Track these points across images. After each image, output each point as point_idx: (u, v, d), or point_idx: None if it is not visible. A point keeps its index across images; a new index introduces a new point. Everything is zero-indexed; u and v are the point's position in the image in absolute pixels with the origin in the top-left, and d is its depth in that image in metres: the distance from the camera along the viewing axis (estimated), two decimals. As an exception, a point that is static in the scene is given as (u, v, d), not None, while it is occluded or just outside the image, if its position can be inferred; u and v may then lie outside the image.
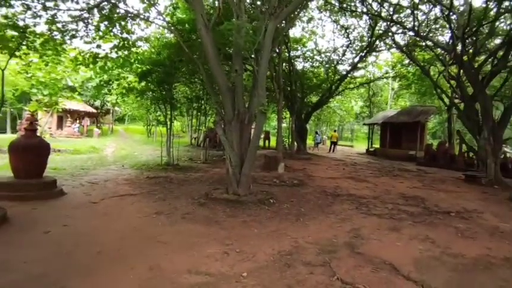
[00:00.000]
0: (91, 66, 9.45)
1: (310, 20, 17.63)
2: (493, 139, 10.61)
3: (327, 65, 20.01)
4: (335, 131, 28.03)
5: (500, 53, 11.15)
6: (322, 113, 29.83)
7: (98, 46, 8.95)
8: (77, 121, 24.71)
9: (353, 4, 15.41)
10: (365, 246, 4.25)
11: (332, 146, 24.22)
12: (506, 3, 10.56)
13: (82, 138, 20.96)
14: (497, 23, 11.73)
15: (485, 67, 11.90)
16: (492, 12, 11.05)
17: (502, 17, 11.58)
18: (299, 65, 20.27)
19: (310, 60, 19.97)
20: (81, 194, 6.72)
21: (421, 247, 4.32)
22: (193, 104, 14.58)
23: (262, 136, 23.27)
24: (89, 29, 8.46)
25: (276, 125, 14.47)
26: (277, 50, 10.60)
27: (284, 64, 17.00)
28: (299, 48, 19.16)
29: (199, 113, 15.08)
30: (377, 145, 25.93)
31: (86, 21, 8.14)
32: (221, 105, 6.94)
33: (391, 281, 3.29)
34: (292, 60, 17.98)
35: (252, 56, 6.75)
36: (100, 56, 9.24)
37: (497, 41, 13.28)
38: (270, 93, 15.77)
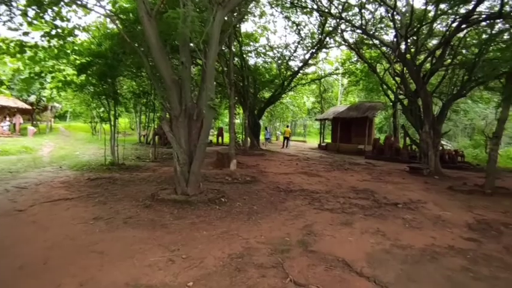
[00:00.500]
0: (18, 56, 8.36)
1: (262, 15, 17.55)
2: (433, 132, 11.30)
3: (279, 61, 20.11)
4: (287, 126, 28.41)
5: (438, 52, 11.91)
6: (275, 108, 30.06)
7: (26, 33, 7.91)
8: (7, 118, 22.16)
9: (303, 0, 15.57)
10: (318, 244, 4.15)
11: (285, 142, 24.49)
12: (442, 6, 11.26)
13: (13, 138, 18.82)
14: (435, 25, 12.48)
15: (425, 65, 12.63)
16: (431, 14, 11.73)
17: (439, 19, 12.35)
18: (251, 60, 20.19)
19: (262, 55, 19.95)
20: (5, 200, 5.88)
21: (372, 241, 4.33)
22: (141, 99, 13.73)
23: (215, 133, 22.85)
24: (14, 14, 7.44)
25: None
26: (227, 42, 10.27)
27: (236, 59, 16.74)
28: (251, 43, 19.02)
29: (147, 109, 14.25)
30: (328, 140, 26.68)
31: (9, 3, 7.13)
32: (167, 100, 6.48)
33: (344, 279, 3.20)
34: (245, 56, 17.79)
35: (200, 48, 6.37)
36: (28, 44, 8.21)
37: (435, 41, 14.21)
38: (222, 88, 15.41)
